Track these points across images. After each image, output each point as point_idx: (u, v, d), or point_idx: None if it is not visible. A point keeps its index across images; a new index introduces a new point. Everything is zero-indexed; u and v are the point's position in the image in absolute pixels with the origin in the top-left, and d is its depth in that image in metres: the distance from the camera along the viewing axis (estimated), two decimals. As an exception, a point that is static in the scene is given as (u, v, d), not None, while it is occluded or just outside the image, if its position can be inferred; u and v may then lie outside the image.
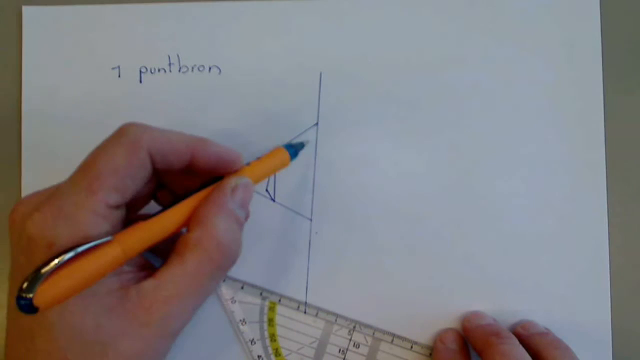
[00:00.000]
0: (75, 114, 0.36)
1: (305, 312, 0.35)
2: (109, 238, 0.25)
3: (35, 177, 0.36)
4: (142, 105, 0.36)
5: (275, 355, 0.34)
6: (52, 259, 0.23)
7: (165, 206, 0.28)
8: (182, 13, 0.37)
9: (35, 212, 0.25)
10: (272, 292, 0.35)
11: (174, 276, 0.26)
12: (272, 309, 0.35)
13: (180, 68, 0.36)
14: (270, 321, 0.35)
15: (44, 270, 0.23)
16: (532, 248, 0.35)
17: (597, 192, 0.35)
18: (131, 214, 0.29)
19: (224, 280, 0.35)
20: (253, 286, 0.35)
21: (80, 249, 0.24)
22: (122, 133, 0.27)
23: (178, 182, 0.30)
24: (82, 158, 0.35)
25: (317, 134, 0.36)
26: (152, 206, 0.31)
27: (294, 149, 0.34)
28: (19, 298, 0.23)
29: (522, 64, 0.36)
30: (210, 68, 0.36)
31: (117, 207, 0.26)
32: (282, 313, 0.35)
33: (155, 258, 0.30)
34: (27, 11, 0.37)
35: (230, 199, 0.28)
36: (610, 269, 0.35)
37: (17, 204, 0.27)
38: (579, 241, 0.35)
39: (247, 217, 0.30)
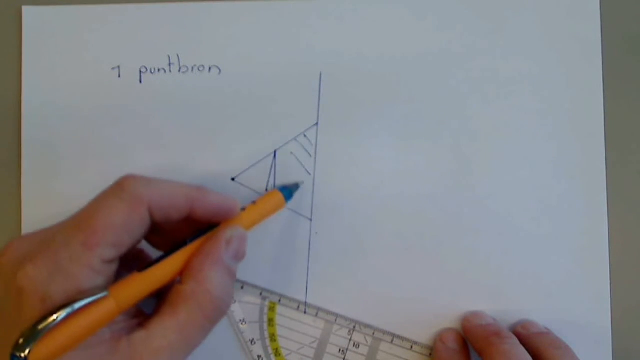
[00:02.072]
0: (75, 114, 0.36)
1: (305, 312, 0.35)
2: (104, 293, 0.25)
3: (35, 177, 0.36)
4: (142, 105, 0.36)
5: (275, 355, 0.34)
6: (49, 316, 0.23)
7: (160, 256, 0.27)
8: (182, 13, 0.37)
9: (28, 263, 0.24)
10: (272, 292, 0.35)
11: (165, 328, 0.26)
12: (272, 309, 0.35)
13: (180, 68, 0.36)
14: (270, 321, 0.35)
15: (40, 327, 0.23)
16: (532, 248, 0.35)
17: (597, 192, 0.35)
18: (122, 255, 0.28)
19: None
20: (253, 286, 0.35)
21: (77, 306, 0.24)
22: (123, 188, 0.26)
23: (172, 227, 0.30)
24: (82, 158, 0.36)
25: (317, 134, 0.36)
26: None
27: (288, 191, 0.34)
28: (13, 356, 0.22)
29: (522, 64, 0.36)
30: (210, 68, 0.36)
31: (112, 261, 0.26)
32: (282, 313, 0.35)
33: (144, 303, 0.29)
34: (27, 11, 0.37)
35: (224, 251, 0.28)
36: (610, 269, 0.35)
37: (7, 248, 0.26)
38: (579, 241, 0.35)
39: (242, 258, 0.30)
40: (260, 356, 0.34)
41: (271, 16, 0.37)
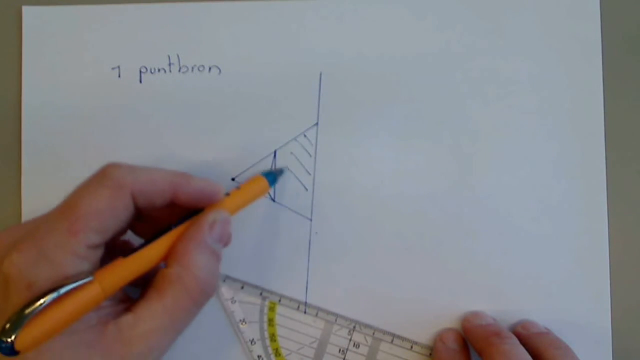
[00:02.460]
0: (75, 114, 0.36)
1: (305, 312, 0.35)
2: (89, 278, 0.25)
3: (35, 177, 0.36)
4: (142, 105, 0.36)
5: (276, 355, 0.34)
6: (35, 301, 0.23)
7: (144, 241, 0.28)
8: (182, 13, 0.37)
9: (14, 251, 0.25)
10: (272, 292, 0.35)
11: (153, 311, 0.26)
12: (272, 309, 0.35)
13: (180, 68, 0.36)
14: (270, 321, 0.35)
15: (27, 311, 0.23)
16: (532, 248, 0.35)
17: (597, 192, 0.35)
18: (108, 244, 0.28)
19: (223, 281, 0.35)
20: (253, 286, 0.35)
21: (62, 291, 0.24)
22: (106, 175, 0.27)
23: (156, 214, 0.30)
24: (82, 158, 0.36)
25: (317, 134, 0.36)
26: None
27: (272, 176, 0.34)
28: (0, 341, 0.23)
29: (522, 64, 0.36)
30: (210, 68, 0.36)
31: (97, 246, 0.26)
32: (282, 313, 0.35)
33: (131, 288, 0.29)
34: (27, 11, 0.37)
35: (208, 234, 0.28)
36: (610, 269, 0.35)
37: None
38: (579, 241, 0.35)
39: (228, 242, 0.30)
40: (260, 356, 0.34)
41: (271, 16, 0.37)
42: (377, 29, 0.36)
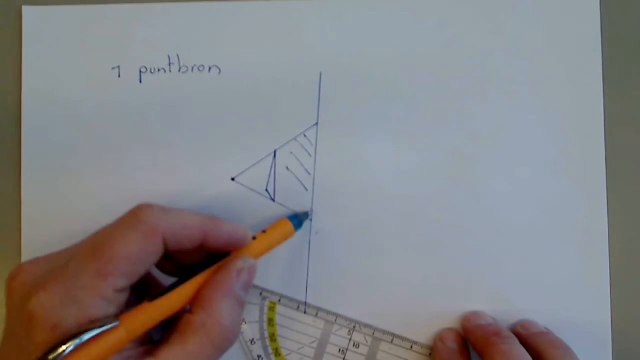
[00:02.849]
0: (75, 114, 0.36)
1: (305, 312, 0.35)
2: (116, 323, 0.25)
3: (35, 177, 0.36)
4: (142, 105, 0.36)
5: (276, 355, 0.34)
6: (58, 346, 0.23)
7: (171, 284, 0.28)
8: (182, 13, 0.37)
9: (41, 290, 0.24)
10: (272, 292, 0.35)
11: (176, 357, 0.26)
12: (272, 309, 0.35)
13: (180, 68, 0.36)
14: (270, 321, 0.35)
15: (51, 357, 0.23)
16: (532, 248, 0.35)
17: (597, 192, 0.35)
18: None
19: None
20: (253, 286, 0.35)
21: (86, 337, 0.24)
22: (139, 218, 0.26)
23: (182, 254, 0.30)
24: (82, 158, 0.36)
25: (317, 134, 0.36)
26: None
27: (298, 220, 0.34)
28: None
29: (522, 64, 0.36)
30: (210, 68, 0.36)
31: (125, 290, 0.26)
32: (282, 313, 0.35)
33: (154, 330, 0.29)
34: (27, 11, 0.37)
35: (235, 282, 0.28)
36: (610, 269, 0.35)
37: (18, 271, 0.26)
38: (579, 241, 0.35)
39: (250, 287, 0.30)
40: (260, 356, 0.34)
41: (271, 16, 0.37)
42: (377, 29, 0.36)
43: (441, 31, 0.36)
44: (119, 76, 0.37)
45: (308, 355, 0.35)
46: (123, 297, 0.26)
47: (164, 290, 0.27)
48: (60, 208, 0.36)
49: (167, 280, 0.30)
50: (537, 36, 0.36)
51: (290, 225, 0.33)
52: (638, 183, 0.35)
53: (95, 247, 0.26)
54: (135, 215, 0.27)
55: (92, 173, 0.36)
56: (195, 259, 0.29)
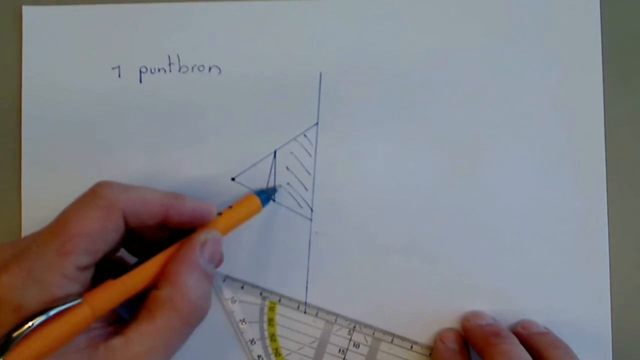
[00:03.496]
0: (75, 114, 0.36)
1: (305, 312, 0.35)
2: (78, 300, 0.25)
3: (35, 177, 0.36)
4: (142, 105, 0.36)
5: (276, 355, 0.34)
6: (23, 324, 0.23)
7: (136, 262, 0.28)
8: (182, 13, 0.37)
9: (2, 272, 0.24)
10: (272, 292, 0.35)
11: (143, 333, 0.25)
12: (272, 308, 0.35)
13: (180, 68, 0.36)
14: (270, 321, 0.35)
15: (14, 334, 0.23)
16: (532, 248, 0.35)
17: (597, 191, 0.35)
18: (100, 263, 0.28)
19: (223, 281, 0.35)
20: (253, 286, 0.35)
21: (51, 313, 0.24)
22: (97, 195, 0.26)
23: (148, 233, 0.30)
24: (82, 158, 0.36)
25: (317, 134, 0.36)
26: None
27: (265, 195, 0.34)
28: None
29: (522, 64, 0.36)
30: (210, 68, 0.36)
31: (87, 268, 0.26)
32: (282, 313, 0.35)
33: (122, 308, 0.29)
34: (27, 11, 0.37)
35: (199, 254, 0.28)
36: (610, 269, 0.35)
37: None
38: (579, 241, 0.35)
39: (220, 263, 0.30)
40: (260, 356, 0.34)
41: (271, 16, 0.37)
42: (376, 29, 0.36)
43: (441, 31, 0.36)
44: (119, 76, 0.37)
45: (308, 355, 0.35)
46: (87, 276, 0.26)
47: (128, 268, 0.27)
48: (60, 208, 0.36)
49: (134, 260, 0.30)
50: (537, 36, 0.36)
51: (257, 200, 0.33)
52: (638, 183, 0.35)
53: (55, 226, 0.26)
54: (94, 192, 0.27)
55: (92, 173, 0.36)
56: (162, 237, 0.29)
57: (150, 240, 0.30)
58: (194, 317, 0.27)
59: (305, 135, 0.36)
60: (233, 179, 0.36)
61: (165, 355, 0.26)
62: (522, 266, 0.35)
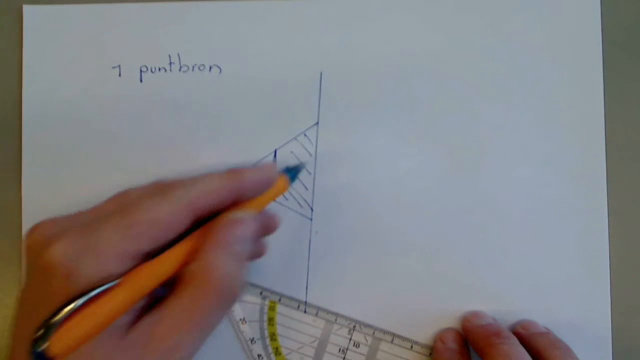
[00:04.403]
0: (75, 114, 0.36)
1: (305, 312, 0.35)
2: (117, 281, 0.24)
3: (35, 177, 0.36)
4: (142, 104, 0.36)
5: (276, 355, 0.34)
6: (65, 306, 0.23)
7: (172, 243, 0.27)
8: (183, 13, 0.37)
9: (60, 239, 0.24)
10: (272, 292, 0.35)
11: (174, 309, 0.26)
12: (272, 308, 0.35)
13: (180, 67, 0.36)
14: (271, 320, 0.35)
15: (54, 319, 0.23)
16: (532, 248, 0.35)
17: (597, 192, 0.35)
18: None
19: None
20: (253, 285, 0.35)
21: (92, 293, 0.23)
22: (169, 189, 0.27)
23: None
24: (82, 157, 0.36)
25: (317, 134, 0.36)
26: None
27: (292, 172, 0.33)
28: (32, 349, 0.22)
29: (522, 64, 0.36)
30: (210, 67, 0.36)
31: (146, 255, 0.26)
32: (282, 312, 0.35)
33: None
34: (28, 10, 0.37)
35: (228, 232, 0.27)
36: (610, 269, 0.35)
37: (36, 226, 0.26)
38: (579, 241, 0.35)
39: (262, 252, 0.30)
40: (261, 355, 0.34)
41: (271, 16, 0.37)
42: (377, 29, 0.36)
43: (441, 31, 0.36)
44: (120, 75, 0.37)
45: (308, 354, 0.35)
46: (140, 261, 0.26)
47: (165, 249, 0.27)
48: (60, 208, 0.36)
49: None
50: (537, 36, 0.36)
51: (284, 179, 0.32)
52: (638, 183, 0.35)
53: (125, 207, 0.26)
54: (166, 185, 0.27)
55: (92, 173, 0.36)
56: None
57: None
58: (222, 295, 0.26)
59: (305, 135, 0.36)
60: (233, 179, 0.36)
61: (195, 332, 0.26)
62: (522, 266, 0.35)
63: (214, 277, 0.26)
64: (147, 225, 0.25)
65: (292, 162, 0.35)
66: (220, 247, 0.27)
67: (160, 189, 0.27)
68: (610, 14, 0.36)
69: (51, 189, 0.36)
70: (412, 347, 0.35)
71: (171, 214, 0.26)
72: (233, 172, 0.28)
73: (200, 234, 0.28)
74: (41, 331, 0.23)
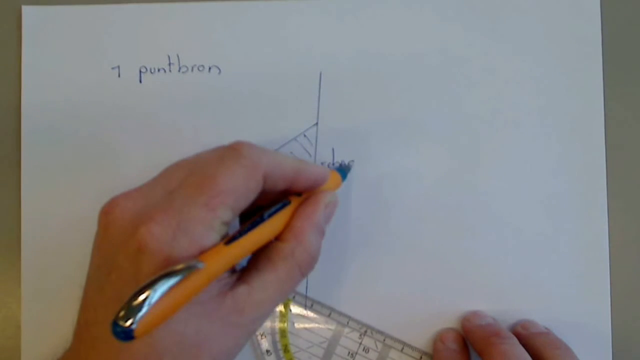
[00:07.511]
0: (75, 114, 0.36)
1: (317, 312, 0.35)
2: (200, 265, 0.24)
3: (35, 177, 0.36)
4: (142, 105, 0.36)
5: (284, 352, 0.35)
6: (148, 287, 0.22)
7: (245, 226, 0.27)
8: (182, 13, 0.37)
9: (150, 221, 0.24)
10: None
11: (266, 282, 0.27)
12: (285, 304, 0.35)
13: (180, 68, 0.36)
14: (282, 317, 0.35)
15: (138, 300, 0.22)
16: (532, 248, 0.35)
17: (597, 192, 0.35)
18: None
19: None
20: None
21: (172, 281, 0.23)
22: (241, 153, 0.27)
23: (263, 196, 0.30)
24: (82, 158, 0.36)
25: (317, 134, 0.36)
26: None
27: (344, 172, 0.34)
28: (116, 326, 0.21)
29: (522, 64, 0.36)
30: (210, 68, 0.36)
31: (228, 223, 0.27)
32: (295, 311, 0.35)
33: None
34: (27, 11, 0.37)
35: (322, 214, 0.29)
36: (610, 269, 0.35)
37: (112, 204, 0.26)
38: (579, 241, 0.35)
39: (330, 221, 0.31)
40: (269, 350, 0.34)
41: (271, 16, 0.36)
42: (376, 29, 0.36)
43: (441, 31, 0.36)
44: (119, 76, 0.36)
45: (317, 354, 0.35)
46: (226, 229, 0.27)
47: (240, 231, 0.27)
48: (60, 208, 0.36)
49: None
50: (537, 36, 0.36)
51: (338, 177, 0.33)
52: (638, 183, 0.35)
53: (202, 179, 0.26)
54: (237, 151, 0.27)
55: (92, 173, 0.36)
56: (261, 202, 0.29)
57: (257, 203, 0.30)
58: (309, 270, 0.29)
59: (305, 136, 0.36)
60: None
61: (279, 302, 0.29)
62: (522, 266, 0.35)
63: (309, 255, 0.28)
64: (225, 196, 0.26)
65: (345, 160, 0.36)
66: (314, 227, 0.29)
67: (236, 155, 0.27)
68: (610, 14, 0.36)
69: (51, 189, 0.36)
70: (421, 357, 0.34)
71: (245, 181, 0.26)
72: (299, 159, 0.30)
73: (290, 212, 0.29)
74: (124, 311, 0.22)
